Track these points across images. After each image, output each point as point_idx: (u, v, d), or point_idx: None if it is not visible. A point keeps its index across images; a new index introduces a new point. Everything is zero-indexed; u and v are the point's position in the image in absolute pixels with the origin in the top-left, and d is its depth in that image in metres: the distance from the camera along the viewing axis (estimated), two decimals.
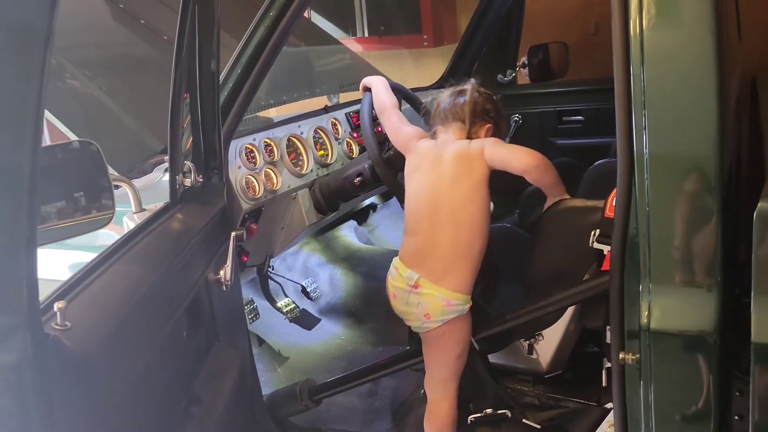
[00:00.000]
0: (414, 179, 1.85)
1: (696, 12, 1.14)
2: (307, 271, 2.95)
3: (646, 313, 1.25)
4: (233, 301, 1.65)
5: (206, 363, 1.32)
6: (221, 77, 1.74)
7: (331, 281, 2.90)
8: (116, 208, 1.46)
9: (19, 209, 0.76)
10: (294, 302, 2.71)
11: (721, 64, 1.14)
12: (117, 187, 1.58)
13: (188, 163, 1.49)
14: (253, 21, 1.73)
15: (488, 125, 1.87)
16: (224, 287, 1.47)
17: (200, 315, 1.34)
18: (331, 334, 2.73)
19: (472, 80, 1.95)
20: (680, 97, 1.17)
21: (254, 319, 2.47)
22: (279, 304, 2.64)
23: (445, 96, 1.94)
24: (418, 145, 1.88)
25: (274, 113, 2.95)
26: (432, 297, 1.74)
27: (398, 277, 1.81)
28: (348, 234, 3.15)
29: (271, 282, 2.63)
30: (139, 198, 1.57)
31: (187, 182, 1.49)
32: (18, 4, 0.75)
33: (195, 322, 1.30)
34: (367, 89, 2.18)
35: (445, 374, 1.82)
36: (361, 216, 3.37)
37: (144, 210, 1.57)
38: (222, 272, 1.47)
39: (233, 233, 1.55)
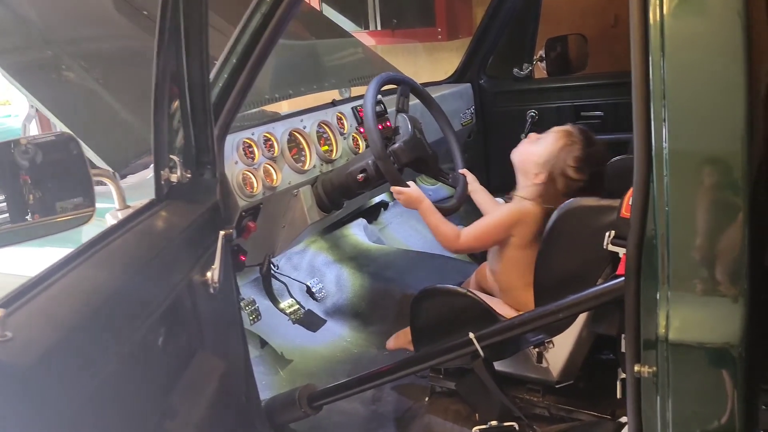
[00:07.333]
0: None
1: None
2: (313, 270, 2.86)
3: (665, 322, 1.15)
4: (224, 304, 1.55)
5: (186, 372, 1.23)
6: (216, 68, 1.64)
7: (337, 281, 2.81)
8: (100, 205, 1.38)
9: None
10: (298, 303, 2.62)
11: (750, 50, 1.04)
12: (101, 183, 1.49)
13: (174, 158, 1.40)
14: (249, 7, 1.63)
15: None
16: (211, 290, 1.38)
17: (181, 320, 1.24)
18: (337, 336, 2.64)
19: None
20: (705, 88, 1.06)
21: (255, 320, 2.38)
22: (282, 305, 2.55)
23: None
24: None
25: (286, 107, 2.86)
26: None
27: None
28: (357, 232, 3.06)
29: (275, 282, 2.55)
30: (123, 194, 1.48)
31: (174, 178, 1.40)
32: None
33: (174, 328, 1.21)
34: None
35: None
36: (372, 214, 3.28)
37: (128, 207, 1.48)
38: (209, 274, 1.38)
39: (222, 232, 1.46)
